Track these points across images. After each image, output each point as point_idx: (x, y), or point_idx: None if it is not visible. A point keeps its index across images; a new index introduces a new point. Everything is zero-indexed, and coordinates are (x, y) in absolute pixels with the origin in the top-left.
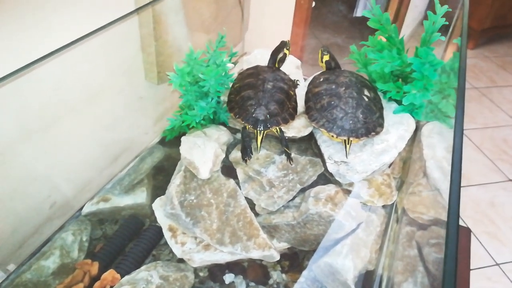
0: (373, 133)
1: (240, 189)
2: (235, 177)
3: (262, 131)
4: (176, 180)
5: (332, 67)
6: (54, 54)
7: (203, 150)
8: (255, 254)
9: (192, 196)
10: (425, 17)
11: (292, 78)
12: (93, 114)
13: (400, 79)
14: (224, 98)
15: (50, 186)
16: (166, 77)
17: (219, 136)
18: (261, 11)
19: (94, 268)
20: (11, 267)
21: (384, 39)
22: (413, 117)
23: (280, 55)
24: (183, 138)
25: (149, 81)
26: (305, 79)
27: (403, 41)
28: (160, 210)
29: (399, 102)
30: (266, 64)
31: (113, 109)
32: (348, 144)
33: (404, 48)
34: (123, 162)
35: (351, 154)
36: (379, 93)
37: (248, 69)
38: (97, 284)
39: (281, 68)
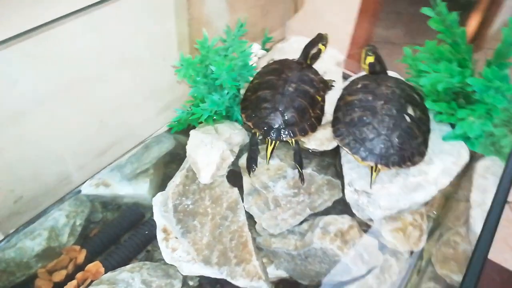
0: (408, 163)
1: (243, 201)
2: (241, 185)
3: (274, 142)
4: (176, 179)
5: (377, 71)
6: (81, 11)
7: (209, 150)
8: (241, 283)
9: (189, 200)
10: None
11: (328, 77)
12: (118, 81)
13: (459, 98)
14: (244, 91)
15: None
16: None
17: (231, 135)
18: None
19: (81, 256)
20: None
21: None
22: (467, 146)
23: (314, 50)
24: (191, 132)
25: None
26: (345, 79)
27: (471, 50)
28: (159, 206)
29: (453, 125)
30: (297, 58)
31: (136, 79)
32: (375, 171)
33: (471, 60)
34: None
35: (377, 184)
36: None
37: (274, 62)
38: (79, 274)
39: (314, 65)
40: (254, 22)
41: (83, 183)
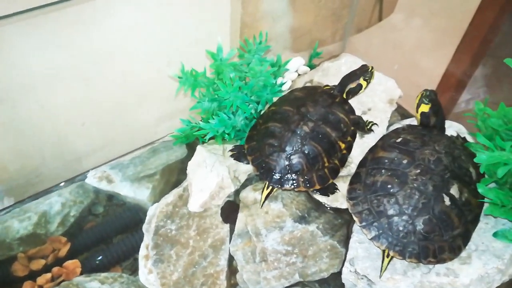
0: (431, 259)
1: (230, 241)
2: (234, 221)
3: (271, 187)
4: (169, 197)
5: (431, 124)
6: None
7: (207, 174)
8: None
9: (174, 225)
10: None
11: (372, 116)
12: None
13: None
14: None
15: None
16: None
17: (238, 162)
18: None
19: (64, 249)
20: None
21: None
22: None
23: (352, 85)
24: (198, 148)
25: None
26: (401, 118)
27: None
28: (148, 219)
29: None
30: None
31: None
32: (387, 257)
33: None
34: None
35: (387, 273)
36: None
37: (301, 89)
38: (55, 269)
39: (355, 98)
40: (308, 30)
41: (88, 171)
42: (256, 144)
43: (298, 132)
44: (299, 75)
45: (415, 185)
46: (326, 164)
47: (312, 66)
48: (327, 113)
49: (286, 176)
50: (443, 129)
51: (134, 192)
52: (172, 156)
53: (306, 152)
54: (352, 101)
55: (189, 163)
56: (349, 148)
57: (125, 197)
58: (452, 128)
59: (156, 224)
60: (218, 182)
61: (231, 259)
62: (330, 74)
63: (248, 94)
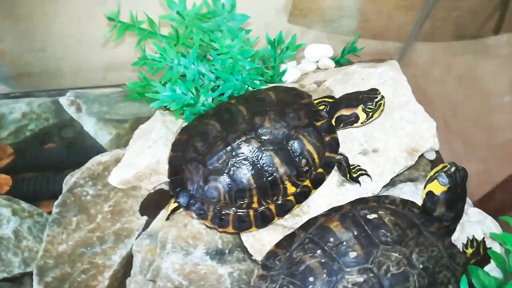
0: None
1: (138, 237)
2: (156, 217)
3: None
4: (107, 155)
5: (434, 214)
6: None
7: (143, 149)
8: None
9: (92, 189)
10: None
11: (369, 162)
12: None
13: None
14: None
15: None
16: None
17: None
18: None
19: (6, 160)
20: None
21: None
22: None
23: (346, 111)
24: (156, 113)
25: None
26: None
27: None
28: None
29: None
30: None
31: None
32: None
33: None
34: None
35: None
36: None
37: (283, 89)
38: None
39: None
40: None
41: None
42: (185, 140)
43: (233, 147)
44: (318, 68)
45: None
46: (255, 205)
47: (340, 63)
48: (289, 136)
49: (194, 199)
50: (451, 229)
51: (95, 132)
52: (145, 110)
53: (232, 179)
54: (354, 130)
55: (140, 126)
56: (301, 196)
57: (87, 133)
58: (480, 225)
59: (76, 179)
60: (151, 164)
61: (130, 257)
62: (350, 83)
63: (213, 72)
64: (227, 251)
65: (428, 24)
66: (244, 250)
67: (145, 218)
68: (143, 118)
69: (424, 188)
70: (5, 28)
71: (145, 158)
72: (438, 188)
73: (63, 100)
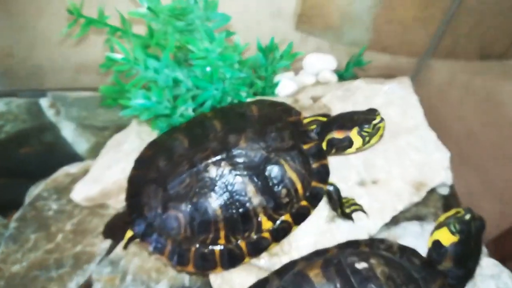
0: None
1: (100, 263)
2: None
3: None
4: (73, 167)
5: (439, 269)
6: None
7: (112, 163)
8: None
9: (56, 204)
10: None
11: (367, 196)
12: None
13: None
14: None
15: None
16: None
17: None
18: None
19: None
20: None
21: None
22: None
23: (338, 134)
24: (132, 123)
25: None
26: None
27: None
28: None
29: None
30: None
31: None
32: None
33: None
34: None
35: None
36: None
37: (269, 104)
38: None
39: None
40: (401, 22)
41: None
42: (150, 156)
43: (200, 169)
44: (317, 82)
45: None
46: (222, 241)
47: (344, 77)
48: (267, 160)
49: (151, 229)
50: (472, 274)
51: (73, 139)
52: (126, 118)
53: (195, 208)
54: (351, 156)
55: (115, 135)
56: (278, 233)
57: (64, 139)
58: (494, 279)
59: (40, 191)
60: (119, 181)
61: (88, 286)
62: (351, 101)
63: (190, 78)
64: None
65: (449, 39)
66: None
67: (109, 241)
68: (124, 127)
69: (431, 234)
70: None
71: (113, 173)
72: (447, 237)
73: (44, 102)
